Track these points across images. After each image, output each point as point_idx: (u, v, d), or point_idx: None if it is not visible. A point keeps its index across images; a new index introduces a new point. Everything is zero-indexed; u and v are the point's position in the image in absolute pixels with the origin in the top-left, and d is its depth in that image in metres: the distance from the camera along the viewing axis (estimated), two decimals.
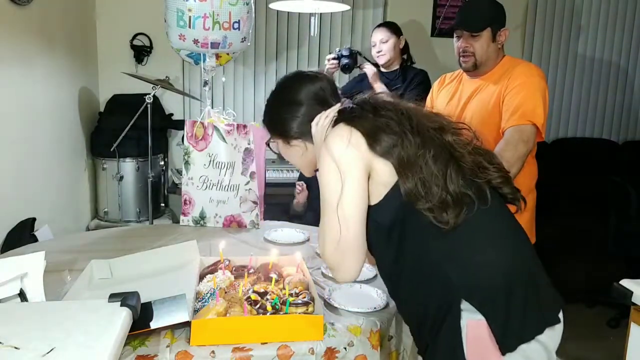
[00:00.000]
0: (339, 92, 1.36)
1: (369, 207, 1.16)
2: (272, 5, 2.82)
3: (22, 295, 1.24)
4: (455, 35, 2.00)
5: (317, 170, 1.24)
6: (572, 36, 4.18)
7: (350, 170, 1.13)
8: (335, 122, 1.21)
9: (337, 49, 2.78)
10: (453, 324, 1.08)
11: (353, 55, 2.75)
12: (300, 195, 2.55)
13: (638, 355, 1.42)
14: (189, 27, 2.02)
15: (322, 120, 1.25)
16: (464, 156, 1.16)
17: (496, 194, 1.19)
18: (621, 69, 4.28)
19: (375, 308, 1.40)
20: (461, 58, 1.99)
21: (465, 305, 1.08)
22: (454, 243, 1.11)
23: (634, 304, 1.42)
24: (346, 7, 3.04)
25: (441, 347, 1.11)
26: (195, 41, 2.04)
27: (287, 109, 1.31)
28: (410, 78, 2.84)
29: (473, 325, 1.07)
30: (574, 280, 3.35)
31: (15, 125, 2.53)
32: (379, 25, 2.96)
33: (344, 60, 2.73)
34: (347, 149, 1.14)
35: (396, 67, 2.89)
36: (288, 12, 3.70)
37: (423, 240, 1.13)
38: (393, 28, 2.89)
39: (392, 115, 1.18)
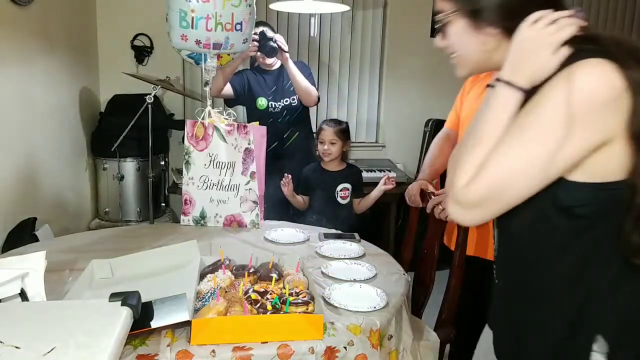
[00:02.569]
0: None
1: (569, 181, 0.89)
2: (272, 6, 2.83)
3: (22, 295, 1.25)
4: None
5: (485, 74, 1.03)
6: None
7: (587, 129, 0.84)
8: (579, 52, 0.88)
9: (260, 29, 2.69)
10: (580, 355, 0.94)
11: (274, 41, 2.71)
12: (286, 189, 2.55)
13: None
14: (192, 27, 2.02)
15: (545, 25, 0.91)
16: None
17: None
18: None
19: (375, 307, 1.41)
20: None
21: (598, 345, 0.93)
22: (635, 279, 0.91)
23: None
24: (346, 8, 3.04)
25: None
26: (198, 42, 2.04)
27: None
28: (299, 69, 2.86)
29: None
30: None
31: (15, 125, 2.53)
32: (262, 24, 2.90)
33: (271, 44, 2.68)
34: (606, 103, 0.83)
35: (278, 65, 2.89)
36: (288, 13, 3.70)
37: (604, 258, 0.91)
38: (271, 27, 2.90)
39: None
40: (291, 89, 2.87)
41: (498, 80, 0.95)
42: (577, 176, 0.89)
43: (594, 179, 0.88)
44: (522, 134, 0.88)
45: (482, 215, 0.93)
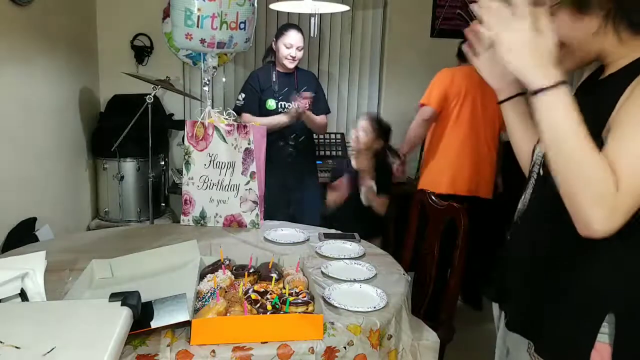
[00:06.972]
0: None
1: None
2: (272, 6, 2.83)
3: (22, 295, 1.25)
4: None
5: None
6: None
7: None
8: None
9: None
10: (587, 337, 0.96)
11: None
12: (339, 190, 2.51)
13: None
14: (197, 26, 2.01)
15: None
16: None
17: None
18: None
19: (375, 307, 1.41)
20: None
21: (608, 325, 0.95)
22: None
23: None
24: (346, 8, 3.04)
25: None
26: (202, 41, 2.03)
27: None
28: (309, 78, 3.01)
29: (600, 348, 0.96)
30: None
31: (15, 125, 2.54)
32: (296, 28, 2.96)
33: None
34: None
35: (293, 70, 3.00)
36: (288, 13, 3.70)
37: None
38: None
39: None
40: (314, 93, 2.93)
41: (534, 96, 0.90)
42: None
43: None
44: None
45: (627, 216, 0.87)
